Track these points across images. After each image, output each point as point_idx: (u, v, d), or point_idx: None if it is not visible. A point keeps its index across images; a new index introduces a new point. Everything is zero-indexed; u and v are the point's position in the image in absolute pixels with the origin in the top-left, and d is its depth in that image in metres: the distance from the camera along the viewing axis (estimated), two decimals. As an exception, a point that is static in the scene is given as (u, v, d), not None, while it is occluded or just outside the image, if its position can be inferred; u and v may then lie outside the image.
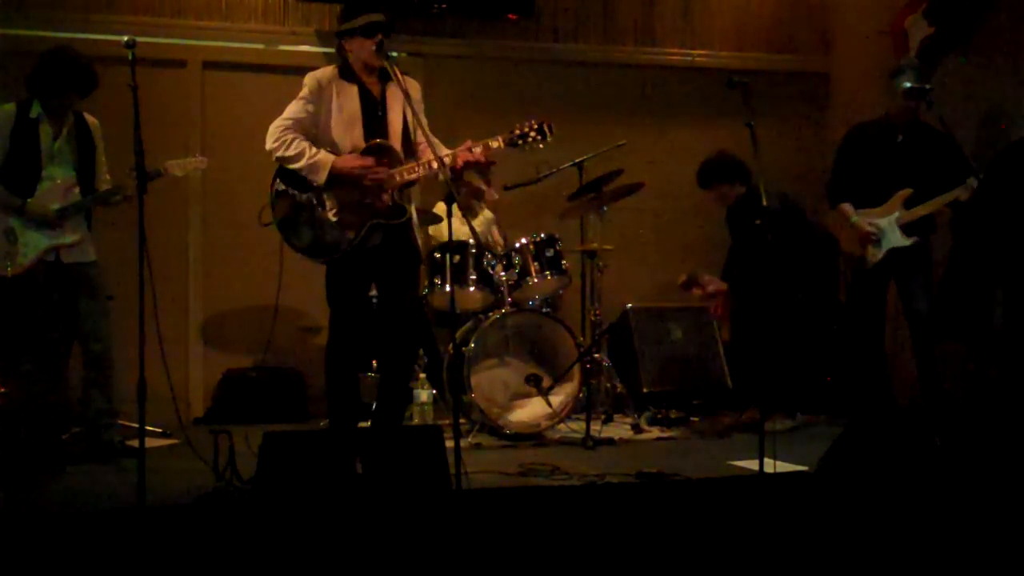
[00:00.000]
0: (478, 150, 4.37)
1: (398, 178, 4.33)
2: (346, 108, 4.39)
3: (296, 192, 4.36)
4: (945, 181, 5.15)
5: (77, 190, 4.72)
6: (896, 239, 5.27)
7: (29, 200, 4.60)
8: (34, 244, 4.62)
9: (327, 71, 4.45)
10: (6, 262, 4.56)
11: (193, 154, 5.05)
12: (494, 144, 4.38)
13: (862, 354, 5.50)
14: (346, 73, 4.43)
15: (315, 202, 4.35)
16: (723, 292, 5.64)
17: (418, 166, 4.34)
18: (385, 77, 4.39)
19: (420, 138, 4.43)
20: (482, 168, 5.62)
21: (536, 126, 4.39)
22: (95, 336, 4.75)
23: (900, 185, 5.28)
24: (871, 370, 5.49)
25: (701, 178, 5.70)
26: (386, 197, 4.35)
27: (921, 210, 5.21)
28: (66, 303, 4.73)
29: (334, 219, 4.34)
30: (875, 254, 5.31)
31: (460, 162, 4.37)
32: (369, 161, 4.33)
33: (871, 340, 5.47)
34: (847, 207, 5.40)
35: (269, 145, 4.33)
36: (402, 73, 4.31)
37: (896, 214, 5.27)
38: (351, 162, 4.32)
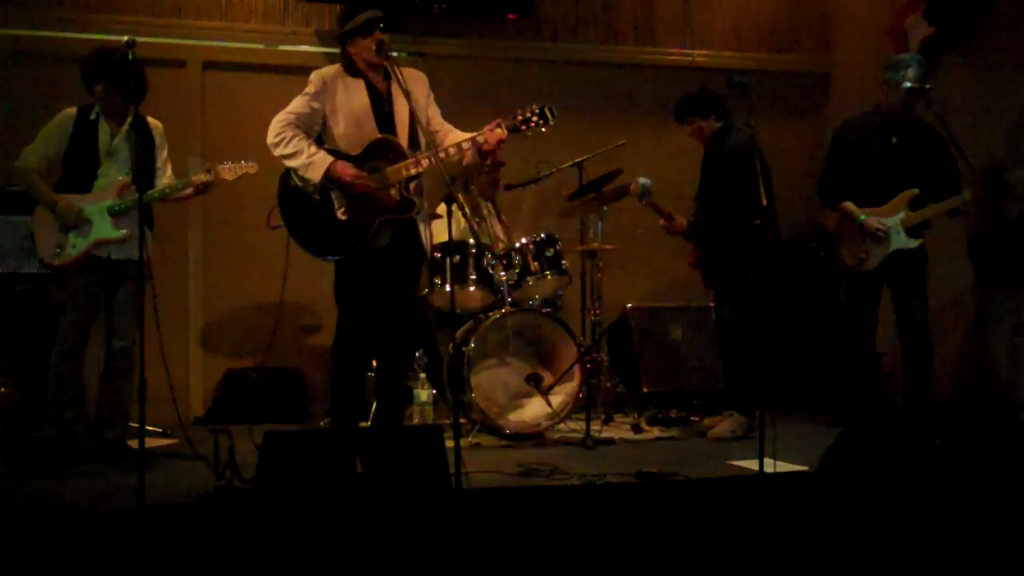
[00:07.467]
0: (500, 131, 4.32)
1: (404, 172, 4.31)
2: (355, 102, 4.38)
3: (304, 194, 4.34)
4: (941, 185, 5.10)
5: (133, 188, 4.74)
6: (902, 240, 5.16)
7: (60, 201, 4.67)
8: (83, 237, 4.69)
9: (332, 68, 4.44)
10: (55, 251, 4.67)
11: (241, 159, 4.94)
12: (499, 131, 4.35)
13: (857, 358, 5.43)
14: (351, 69, 4.42)
15: (324, 203, 4.33)
16: (679, 230, 5.50)
17: (424, 158, 4.31)
18: (389, 75, 4.39)
19: (436, 126, 4.47)
20: (490, 191, 5.68)
21: (537, 110, 4.38)
22: (120, 333, 4.77)
23: (897, 185, 5.18)
24: (865, 373, 5.45)
25: (678, 112, 5.52)
26: (393, 192, 4.33)
27: (927, 212, 5.12)
28: (107, 298, 4.79)
29: (344, 218, 4.32)
30: (878, 254, 5.19)
31: (491, 141, 4.32)
32: (362, 174, 4.29)
33: (865, 344, 5.40)
34: (851, 205, 5.24)
35: (270, 140, 4.32)
36: (406, 66, 4.30)
37: (901, 215, 5.16)
38: (346, 172, 4.28)
